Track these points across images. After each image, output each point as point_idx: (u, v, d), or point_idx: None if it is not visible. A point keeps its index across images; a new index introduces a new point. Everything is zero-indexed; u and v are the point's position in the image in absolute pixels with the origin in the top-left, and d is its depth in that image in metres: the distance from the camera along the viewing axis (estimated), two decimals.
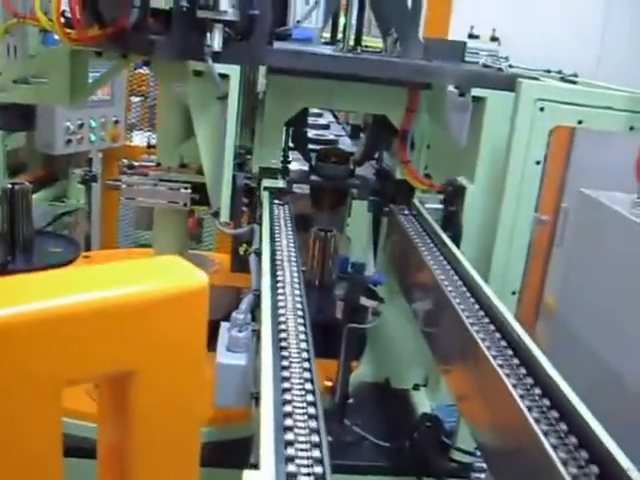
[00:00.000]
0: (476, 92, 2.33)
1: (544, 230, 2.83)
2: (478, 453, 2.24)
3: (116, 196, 4.61)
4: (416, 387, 2.77)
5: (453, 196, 2.38)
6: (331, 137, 3.38)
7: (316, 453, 1.06)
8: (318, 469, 1.03)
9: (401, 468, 2.39)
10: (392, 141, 2.84)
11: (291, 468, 1.01)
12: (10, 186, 2.97)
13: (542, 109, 2.20)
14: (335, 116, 4.11)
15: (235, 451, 1.79)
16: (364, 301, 2.32)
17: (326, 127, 3.65)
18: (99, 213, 5.17)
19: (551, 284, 3.19)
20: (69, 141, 4.59)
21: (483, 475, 2.25)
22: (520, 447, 1.33)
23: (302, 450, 1.07)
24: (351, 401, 2.50)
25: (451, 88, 2.48)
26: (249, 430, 1.47)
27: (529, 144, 2.20)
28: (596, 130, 2.33)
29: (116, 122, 4.92)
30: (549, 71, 2.74)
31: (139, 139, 5.54)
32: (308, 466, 1.04)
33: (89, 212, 4.99)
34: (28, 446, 0.54)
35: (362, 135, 3.46)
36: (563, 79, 2.63)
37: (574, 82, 2.58)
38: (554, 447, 1.19)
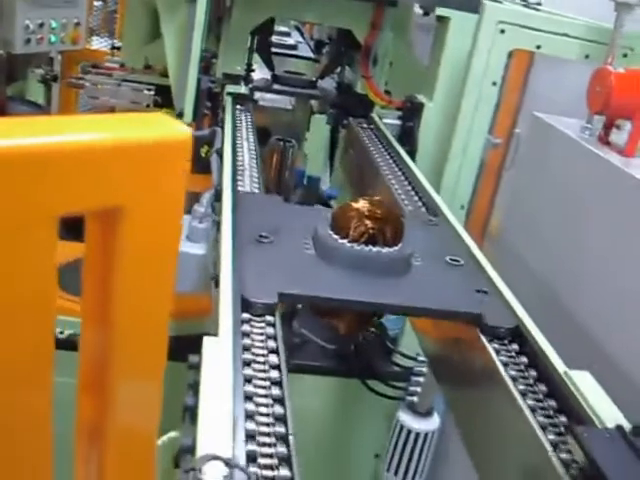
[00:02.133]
0: (440, 12, 2.37)
1: (496, 154, 2.92)
2: (419, 358, 2.36)
3: (75, 98, 4.57)
4: None
5: (411, 112, 2.44)
6: (291, 42, 3.41)
7: (269, 317, 1.16)
8: (270, 330, 1.14)
9: (346, 370, 2.51)
10: (355, 56, 2.89)
11: (246, 331, 1.12)
12: None
13: (503, 31, 2.27)
14: (301, 32, 4.12)
15: (189, 346, 1.86)
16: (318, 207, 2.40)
17: (294, 47, 3.63)
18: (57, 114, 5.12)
19: (499, 206, 3.30)
20: (28, 40, 4.49)
21: (422, 379, 2.37)
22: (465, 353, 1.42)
23: (257, 322, 1.16)
24: (300, 306, 2.59)
25: (416, 7, 2.53)
26: (203, 327, 1.55)
27: (488, 65, 2.27)
28: (553, 56, 2.40)
29: (77, 24, 4.81)
30: None
31: (98, 45, 5.45)
32: (262, 328, 1.14)
33: (48, 113, 4.94)
34: (25, 279, 0.61)
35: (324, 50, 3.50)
36: (527, 5, 2.69)
37: (537, 9, 2.64)
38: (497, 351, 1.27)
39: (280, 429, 0.95)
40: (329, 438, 2.63)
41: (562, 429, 1.07)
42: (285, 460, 0.91)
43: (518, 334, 1.29)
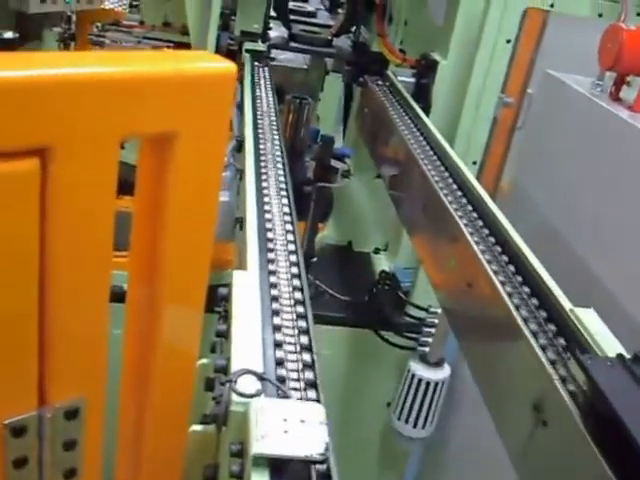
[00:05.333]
0: None
1: (508, 112, 2.96)
2: (431, 309, 2.43)
3: None
4: (376, 251, 2.94)
5: (426, 69, 2.49)
6: (310, 9, 3.42)
7: (292, 257, 1.23)
8: (294, 269, 1.20)
9: (359, 320, 2.58)
10: (370, 16, 2.93)
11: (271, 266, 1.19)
12: None
13: None
14: None
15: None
16: (334, 163, 2.46)
17: (313, 14, 3.61)
18: None
19: (511, 165, 3.35)
20: (43, 0, 4.53)
21: (434, 330, 2.44)
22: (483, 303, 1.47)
23: (280, 255, 1.23)
24: (315, 260, 2.66)
25: None
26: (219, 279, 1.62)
27: (502, 22, 2.32)
28: (567, 14, 2.44)
29: None
30: None
31: (111, 4, 5.47)
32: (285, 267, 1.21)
33: None
34: (90, 183, 0.68)
35: (340, 10, 3.53)
36: None
37: None
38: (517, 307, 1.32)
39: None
40: (342, 387, 2.71)
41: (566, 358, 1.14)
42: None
43: None
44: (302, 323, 1.10)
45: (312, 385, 0.98)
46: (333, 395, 2.64)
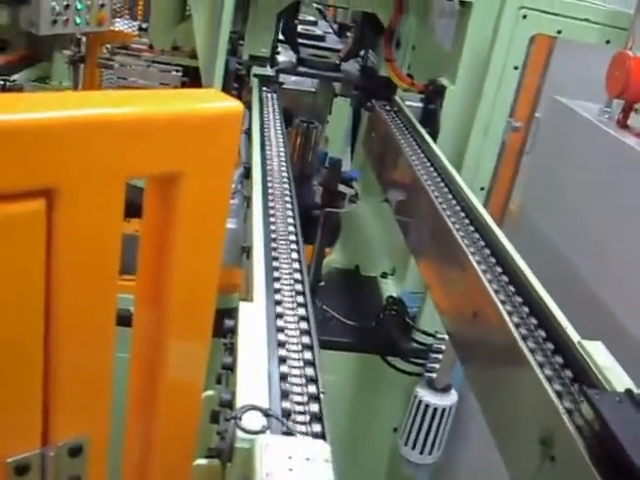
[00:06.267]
0: None
1: (516, 137, 2.95)
2: (438, 335, 2.42)
3: (99, 79, 4.64)
4: (384, 275, 2.93)
5: (434, 95, 2.50)
6: (319, 32, 3.43)
7: (298, 287, 1.23)
8: (301, 304, 1.19)
9: (366, 346, 2.57)
10: (378, 40, 2.94)
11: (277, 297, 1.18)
12: None
13: (525, 17, 2.31)
14: (323, 15, 4.15)
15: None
16: (342, 188, 2.46)
17: (321, 38, 3.62)
18: None
19: (519, 189, 3.35)
20: (54, 22, 4.55)
21: (441, 355, 2.43)
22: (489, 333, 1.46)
23: (286, 285, 1.23)
24: (322, 284, 2.65)
25: None
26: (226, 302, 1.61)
27: (510, 49, 2.32)
28: (574, 41, 2.44)
29: (102, 6, 4.88)
30: None
31: (120, 27, 5.50)
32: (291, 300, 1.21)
33: None
34: (95, 223, 0.68)
35: (349, 34, 3.55)
36: None
37: None
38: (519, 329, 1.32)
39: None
40: (348, 413, 2.70)
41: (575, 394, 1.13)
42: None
43: None
44: (310, 371, 1.08)
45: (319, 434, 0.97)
46: (339, 421, 2.63)
